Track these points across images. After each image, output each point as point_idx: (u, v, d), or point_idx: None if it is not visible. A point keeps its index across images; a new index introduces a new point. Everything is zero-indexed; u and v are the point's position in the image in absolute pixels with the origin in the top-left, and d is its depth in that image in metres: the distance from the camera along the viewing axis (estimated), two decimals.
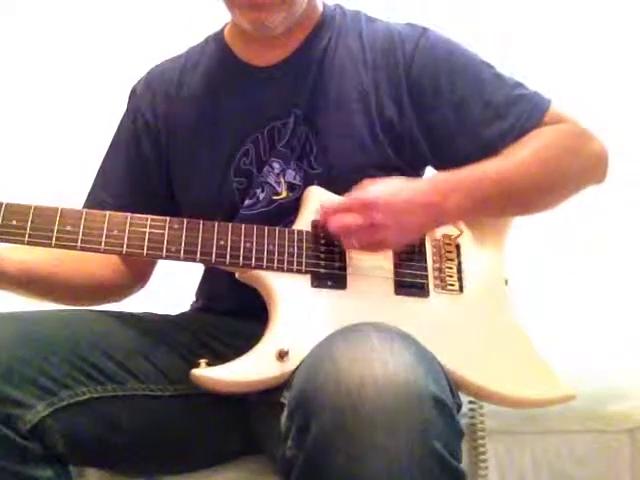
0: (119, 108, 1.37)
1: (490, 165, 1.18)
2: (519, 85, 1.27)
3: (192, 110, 1.29)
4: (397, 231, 1.11)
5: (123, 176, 1.32)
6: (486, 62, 1.28)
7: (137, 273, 1.34)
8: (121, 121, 1.36)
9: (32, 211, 1.08)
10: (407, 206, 1.11)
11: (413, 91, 1.24)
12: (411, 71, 1.24)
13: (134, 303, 1.36)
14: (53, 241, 1.08)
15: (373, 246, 1.12)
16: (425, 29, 1.28)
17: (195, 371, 1.07)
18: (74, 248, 1.09)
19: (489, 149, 1.22)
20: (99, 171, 1.36)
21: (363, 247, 1.12)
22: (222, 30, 1.34)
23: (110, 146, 1.37)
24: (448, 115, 1.24)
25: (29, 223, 1.07)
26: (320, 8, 1.30)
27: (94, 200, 1.31)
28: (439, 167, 1.28)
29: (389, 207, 1.09)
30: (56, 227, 1.08)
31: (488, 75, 1.26)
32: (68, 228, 1.08)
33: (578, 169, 1.25)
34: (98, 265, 1.27)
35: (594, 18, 2.07)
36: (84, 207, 1.28)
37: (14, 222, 1.07)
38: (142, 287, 1.37)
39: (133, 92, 1.36)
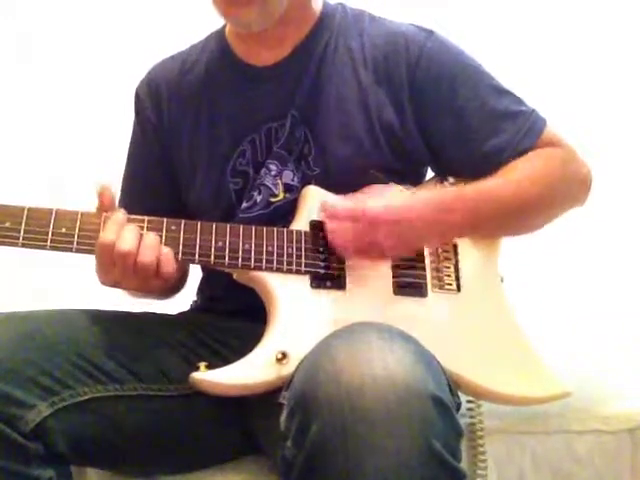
0: (119, 108, 1.36)
1: (488, 185, 1.18)
2: (518, 101, 1.27)
3: (191, 109, 1.29)
4: (397, 247, 1.13)
5: (151, 190, 1.32)
6: (489, 73, 1.27)
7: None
8: (133, 131, 1.36)
9: (26, 213, 1.07)
10: (410, 224, 1.12)
11: (414, 95, 1.23)
12: (415, 75, 1.22)
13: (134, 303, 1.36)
14: (48, 243, 1.07)
15: (369, 258, 1.14)
16: (431, 32, 1.26)
17: (194, 375, 1.08)
18: (69, 250, 1.08)
19: (485, 162, 1.22)
20: (123, 190, 1.36)
21: (359, 257, 1.13)
22: (224, 27, 1.33)
23: (128, 162, 1.37)
24: (446, 123, 1.23)
25: (23, 225, 1.06)
26: (319, 7, 1.29)
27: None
28: (437, 171, 1.29)
29: (392, 225, 1.10)
30: (51, 229, 1.07)
31: (490, 87, 1.26)
32: (63, 230, 1.07)
33: (567, 194, 1.27)
34: None
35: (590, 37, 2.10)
36: None
37: (7, 224, 1.06)
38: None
39: (137, 96, 1.35)
